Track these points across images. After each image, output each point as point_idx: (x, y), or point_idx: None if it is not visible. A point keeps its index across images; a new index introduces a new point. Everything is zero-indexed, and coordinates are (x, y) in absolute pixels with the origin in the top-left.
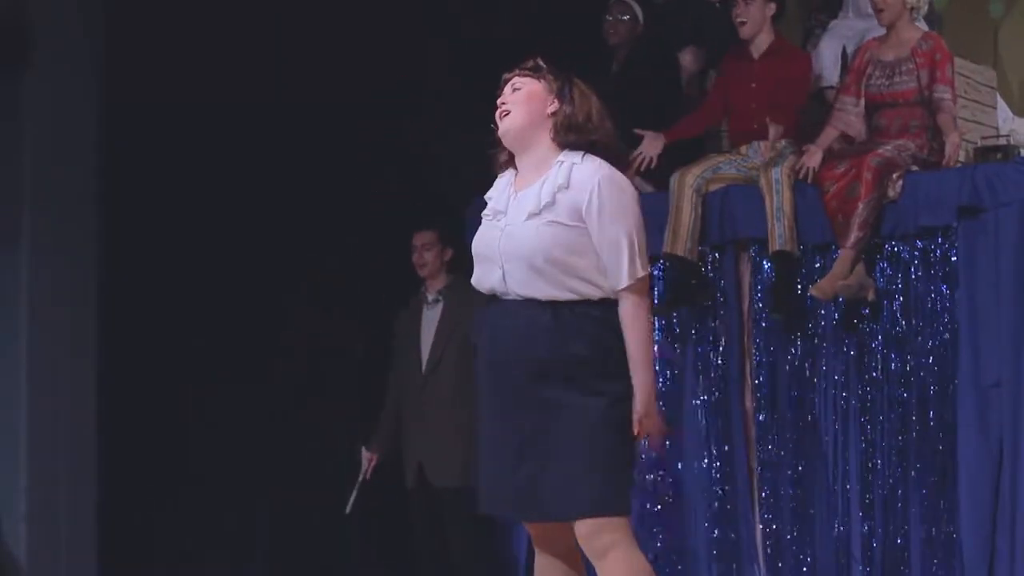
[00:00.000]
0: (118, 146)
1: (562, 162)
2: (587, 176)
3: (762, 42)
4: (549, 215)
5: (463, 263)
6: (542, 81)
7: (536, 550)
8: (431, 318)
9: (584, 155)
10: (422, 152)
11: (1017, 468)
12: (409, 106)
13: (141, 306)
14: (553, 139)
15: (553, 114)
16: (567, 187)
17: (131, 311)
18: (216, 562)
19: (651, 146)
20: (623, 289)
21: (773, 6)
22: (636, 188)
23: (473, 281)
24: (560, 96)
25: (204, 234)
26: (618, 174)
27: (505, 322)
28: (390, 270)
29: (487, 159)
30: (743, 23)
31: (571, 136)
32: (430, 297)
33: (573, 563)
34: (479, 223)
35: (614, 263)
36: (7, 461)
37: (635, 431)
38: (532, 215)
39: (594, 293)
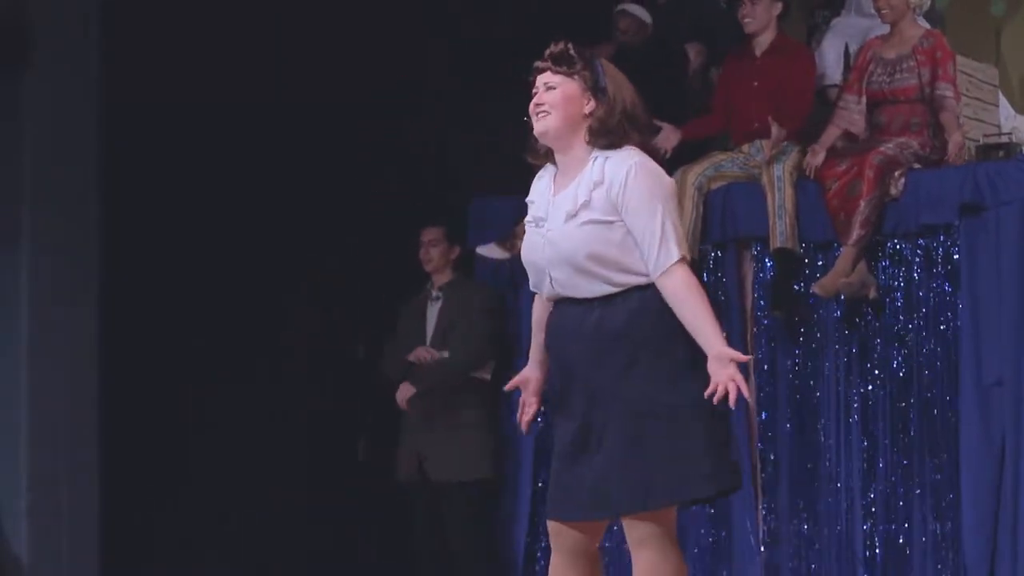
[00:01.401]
0: (118, 146)
1: (596, 157)
2: (618, 167)
3: (765, 40)
4: (585, 214)
5: (468, 262)
6: (576, 79)
7: (554, 549)
8: (434, 313)
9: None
10: (422, 152)
11: (1019, 466)
12: (409, 106)
13: (141, 306)
14: (587, 142)
15: (589, 115)
16: (602, 183)
17: (131, 311)
18: (216, 562)
19: (667, 139)
20: (663, 275)
21: (779, 5)
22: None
23: (531, 287)
24: (595, 93)
25: (204, 234)
26: (650, 161)
27: (559, 325)
28: (390, 270)
29: (487, 157)
30: (749, 23)
31: (602, 141)
32: (434, 293)
33: (592, 570)
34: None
35: (649, 249)
36: (7, 461)
37: (716, 390)
38: (570, 216)
39: (643, 281)
